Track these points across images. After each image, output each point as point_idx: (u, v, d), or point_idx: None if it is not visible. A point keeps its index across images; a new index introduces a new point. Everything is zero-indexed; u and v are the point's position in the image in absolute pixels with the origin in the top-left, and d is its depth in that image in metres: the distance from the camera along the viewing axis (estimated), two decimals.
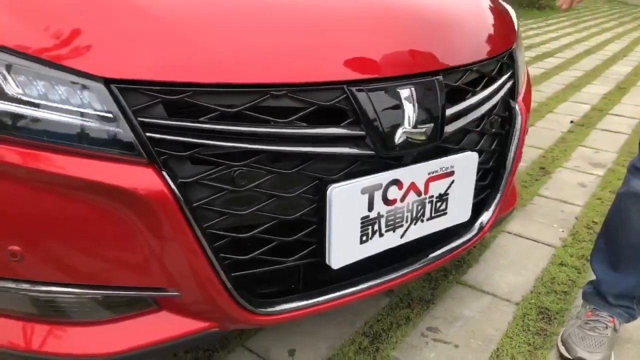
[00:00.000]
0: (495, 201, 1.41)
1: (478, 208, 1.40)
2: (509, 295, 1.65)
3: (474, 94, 1.23)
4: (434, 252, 1.29)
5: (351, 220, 1.05)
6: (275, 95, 0.95)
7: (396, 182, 1.09)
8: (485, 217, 1.40)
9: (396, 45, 1.10)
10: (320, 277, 1.13)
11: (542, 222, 2.12)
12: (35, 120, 0.86)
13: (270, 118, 0.95)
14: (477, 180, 1.33)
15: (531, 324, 1.52)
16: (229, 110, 0.92)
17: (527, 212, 2.21)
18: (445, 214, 1.22)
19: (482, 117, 1.28)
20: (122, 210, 0.89)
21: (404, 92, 1.05)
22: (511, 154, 1.39)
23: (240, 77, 0.92)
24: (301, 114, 0.97)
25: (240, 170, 0.95)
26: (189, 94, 0.90)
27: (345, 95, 1.00)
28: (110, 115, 0.87)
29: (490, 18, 1.40)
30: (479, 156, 1.29)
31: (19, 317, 0.99)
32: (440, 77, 1.12)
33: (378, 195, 1.07)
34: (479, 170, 1.32)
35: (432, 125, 1.09)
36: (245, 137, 0.94)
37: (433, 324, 1.51)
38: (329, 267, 1.08)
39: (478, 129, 1.28)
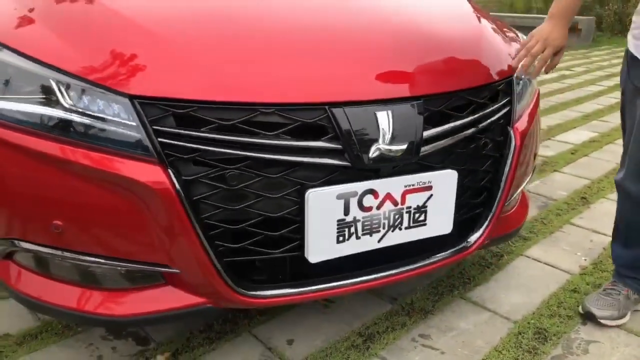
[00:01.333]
0: (487, 220, 1.51)
1: (468, 225, 1.50)
2: (510, 313, 1.71)
3: (459, 118, 1.36)
4: (418, 261, 1.41)
5: (328, 221, 1.22)
6: (264, 112, 1.15)
7: (372, 192, 1.24)
8: (475, 234, 1.50)
9: (378, 72, 1.27)
10: (306, 271, 1.30)
11: (565, 249, 2.13)
12: (79, 125, 1.13)
13: (260, 131, 1.16)
14: (467, 198, 1.44)
15: (524, 342, 1.58)
16: (225, 123, 1.14)
17: (553, 238, 2.22)
18: (425, 224, 1.35)
19: (470, 139, 1.40)
20: (136, 198, 1.13)
21: (381, 114, 1.22)
22: (503, 177, 1.49)
23: (235, 97, 1.14)
24: (287, 128, 1.17)
25: (232, 172, 1.16)
26: (193, 109, 1.13)
27: (326, 114, 1.18)
28: (133, 123, 1.12)
29: (486, 50, 1.52)
30: (468, 176, 1.41)
31: (64, 281, 1.25)
32: (420, 102, 1.27)
33: (354, 202, 1.23)
34: (468, 188, 1.43)
35: (407, 143, 1.24)
36: (237, 145, 1.15)
37: (426, 332, 1.62)
38: (314, 262, 1.25)
39: (465, 150, 1.40)
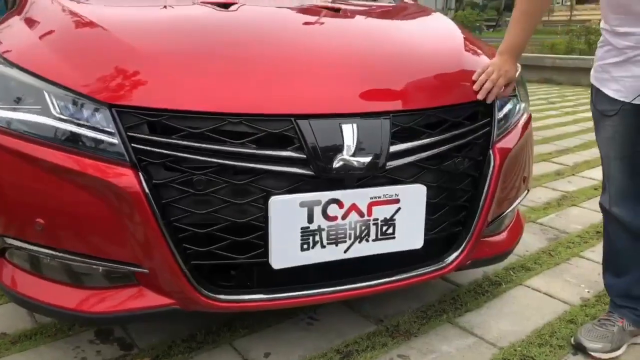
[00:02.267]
0: (465, 240, 1.50)
1: (446, 244, 1.50)
2: (497, 340, 1.66)
3: (430, 135, 1.39)
4: (390, 275, 1.42)
5: (291, 228, 1.26)
6: (232, 122, 1.23)
7: (336, 201, 1.28)
8: (453, 254, 1.49)
9: (345, 87, 1.33)
10: (274, 279, 1.33)
11: (569, 281, 2.05)
12: (64, 131, 1.23)
13: (227, 139, 1.23)
14: (442, 216, 1.45)
15: None
16: (195, 131, 1.22)
17: (558, 270, 2.15)
18: (394, 238, 1.36)
19: (443, 156, 1.42)
20: (110, 200, 1.21)
21: (346, 126, 1.27)
22: (482, 197, 1.49)
23: (204, 106, 1.22)
24: (254, 137, 1.24)
25: (200, 177, 1.22)
26: (165, 117, 1.21)
27: (292, 125, 1.24)
28: (111, 130, 1.21)
29: (462, 71, 1.55)
30: (441, 192, 1.42)
31: (46, 278, 1.34)
32: (387, 117, 1.31)
33: (317, 210, 1.27)
34: (442, 205, 1.44)
35: (371, 156, 1.27)
36: (205, 152, 1.22)
37: (406, 353, 1.59)
38: (277, 269, 1.29)
39: (437, 167, 1.41)
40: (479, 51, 1.73)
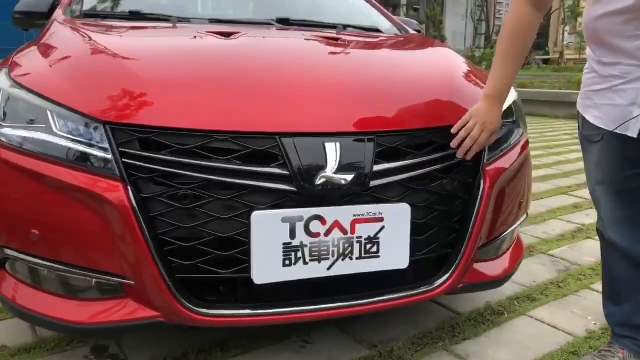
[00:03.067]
0: (455, 263, 1.48)
1: (436, 266, 1.49)
2: None
3: (416, 156, 1.40)
4: (377, 295, 1.41)
5: (273, 243, 1.28)
6: (219, 139, 1.28)
7: (319, 218, 1.30)
8: (443, 277, 1.48)
9: (330, 108, 1.37)
10: (258, 295, 1.34)
11: (575, 313, 1.99)
12: (63, 147, 1.30)
13: (214, 155, 1.27)
14: (430, 237, 1.45)
15: None
16: (182, 147, 1.27)
17: (565, 302, 2.08)
18: (378, 257, 1.36)
19: (429, 177, 1.42)
20: (101, 212, 1.26)
21: (329, 145, 1.30)
22: (472, 219, 1.48)
23: (191, 124, 1.28)
24: (239, 154, 1.28)
25: (186, 192, 1.27)
26: (155, 134, 1.27)
27: (276, 143, 1.28)
28: (105, 146, 1.28)
29: (451, 95, 1.57)
30: (428, 213, 1.43)
31: (38, 288, 1.39)
32: (372, 137, 1.34)
33: (300, 226, 1.28)
34: (429, 226, 1.44)
35: (354, 174, 1.29)
36: (192, 168, 1.26)
37: None
38: (268, 288, 1.30)
39: (423, 187, 1.42)
40: (475, 80, 1.75)
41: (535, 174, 4.43)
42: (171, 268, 1.28)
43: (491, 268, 1.66)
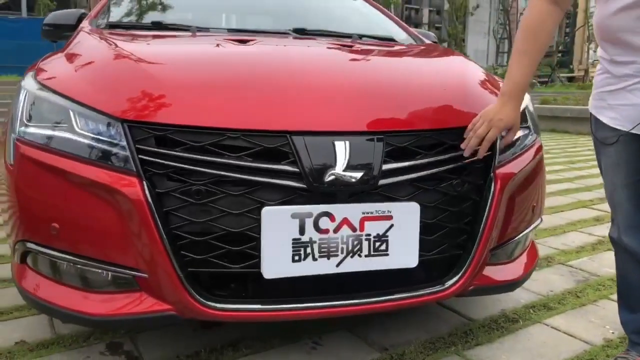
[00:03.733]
0: (466, 264, 1.48)
1: (447, 267, 1.49)
2: None
3: (426, 156, 1.42)
4: (388, 294, 1.42)
5: (283, 239, 1.30)
6: (231, 137, 1.32)
7: (328, 214, 1.32)
8: (453, 277, 1.48)
9: (341, 108, 1.39)
10: (268, 291, 1.37)
11: (593, 322, 1.95)
12: (82, 144, 1.36)
13: (226, 152, 1.31)
14: (440, 237, 1.45)
15: None
16: (196, 144, 1.31)
17: (583, 311, 2.04)
18: (387, 255, 1.37)
19: (439, 177, 1.44)
20: (117, 206, 1.31)
21: (339, 143, 1.33)
22: (483, 220, 1.48)
23: (205, 122, 1.32)
24: (251, 151, 1.31)
25: (199, 188, 1.30)
26: (170, 132, 1.32)
27: (287, 141, 1.32)
28: (123, 143, 1.33)
29: (463, 97, 1.58)
30: (437, 213, 1.44)
31: (56, 281, 1.43)
32: (381, 137, 1.36)
33: (309, 222, 1.31)
34: (438, 226, 1.45)
35: (363, 172, 1.32)
36: (205, 164, 1.30)
37: None
38: (278, 284, 1.32)
39: (433, 187, 1.43)
40: (489, 86, 1.76)
41: (555, 187, 4.38)
42: (183, 262, 1.31)
43: (503, 272, 1.65)
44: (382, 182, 1.34)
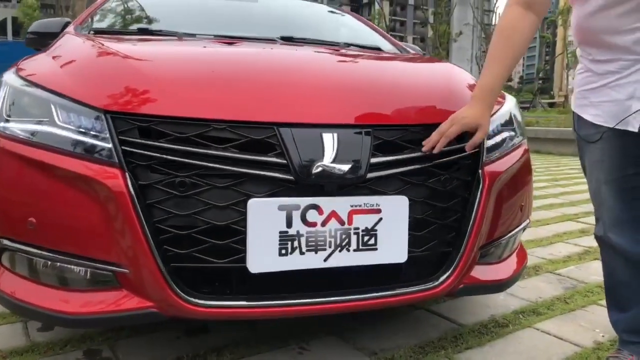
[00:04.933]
0: (455, 261, 1.46)
1: (436, 265, 1.47)
2: None
3: (413, 150, 1.41)
4: (379, 290, 1.39)
5: (269, 231, 1.27)
6: (217, 128, 1.29)
7: (315, 207, 1.29)
8: (443, 275, 1.45)
9: (328, 100, 1.39)
10: (253, 287, 1.32)
11: (583, 326, 1.93)
12: (64, 136, 1.32)
13: (211, 144, 1.28)
14: (428, 233, 1.43)
15: None
16: (181, 135, 1.28)
17: (572, 315, 2.02)
18: (376, 249, 1.34)
19: (427, 172, 1.42)
20: (98, 199, 1.26)
21: (327, 135, 1.31)
22: (472, 217, 1.46)
23: (190, 113, 1.30)
24: (237, 143, 1.29)
25: (183, 180, 1.27)
26: (154, 123, 1.29)
27: (274, 133, 1.30)
28: (105, 135, 1.29)
29: (448, 95, 1.59)
30: (425, 208, 1.42)
31: (31, 279, 1.37)
32: (369, 130, 1.35)
33: (296, 215, 1.28)
34: (427, 222, 1.43)
35: (351, 164, 1.30)
36: (189, 156, 1.27)
37: None
38: (264, 279, 1.29)
39: (421, 182, 1.41)
40: (470, 81, 1.77)
41: (541, 202, 4.41)
42: (166, 257, 1.26)
43: (492, 272, 1.63)
44: (370, 175, 1.32)
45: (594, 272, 2.57)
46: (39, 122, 1.36)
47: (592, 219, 3.87)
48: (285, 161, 1.28)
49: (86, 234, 1.29)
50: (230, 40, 2.00)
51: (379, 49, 2.44)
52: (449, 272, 1.45)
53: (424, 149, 1.42)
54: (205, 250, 1.28)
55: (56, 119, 1.35)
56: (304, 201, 1.28)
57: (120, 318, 1.32)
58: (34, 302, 1.33)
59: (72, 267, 1.32)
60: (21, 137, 1.35)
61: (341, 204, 1.31)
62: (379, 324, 1.87)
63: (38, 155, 1.32)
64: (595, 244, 3.07)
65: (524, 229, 1.77)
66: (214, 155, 1.27)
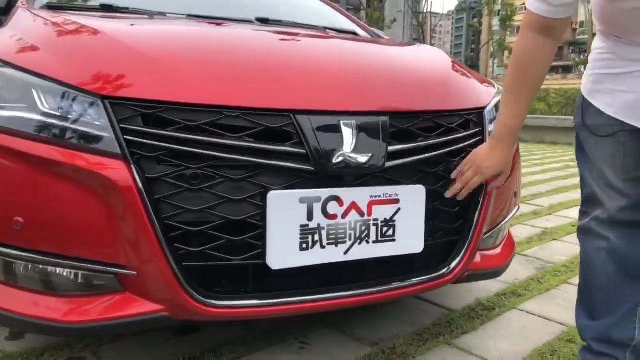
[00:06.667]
0: (464, 248, 1.46)
1: (445, 254, 1.46)
2: (499, 359, 1.59)
3: (426, 138, 1.38)
4: (395, 282, 1.36)
5: (290, 225, 1.20)
6: (230, 115, 1.20)
7: (336, 199, 1.24)
8: (453, 262, 1.45)
9: (346, 87, 1.33)
10: (270, 284, 1.25)
11: (562, 305, 2.02)
12: (52, 125, 1.17)
13: (225, 133, 1.19)
14: (441, 222, 1.42)
15: None
16: (191, 124, 1.18)
17: (549, 295, 2.12)
18: (394, 240, 1.32)
19: (439, 160, 1.41)
20: (100, 195, 1.14)
21: (346, 124, 1.25)
22: (479, 204, 1.47)
23: (201, 99, 1.19)
24: (252, 131, 1.20)
25: (195, 173, 1.17)
26: (161, 110, 1.17)
27: (291, 121, 1.22)
28: (102, 123, 1.16)
29: (455, 83, 1.58)
30: (439, 197, 1.40)
31: (19, 287, 1.22)
32: (386, 118, 1.30)
33: (317, 207, 1.22)
34: (440, 211, 1.42)
35: (371, 154, 1.25)
36: (201, 146, 1.17)
37: None
38: (280, 275, 1.22)
39: (434, 170, 1.40)
40: (466, 72, 1.77)
41: None
42: (178, 256, 1.17)
43: (490, 258, 1.66)
44: (388, 164, 1.29)
45: (556, 252, 2.71)
46: (20, 109, 1.20)
47: (540, 201, 4.12)
48: (304, 151, 1.21)
49: (84, 234, 1.16)
50: (205, 21, 1.87)
51: (355, 34, 2.39)
52: (458, 259, 1.45)
53: (447, 194, 1.40)
54: (219, 247, 1.19)
55: (39, 104, 1.19)
56: (325, 193, 1.23)
57: (126, 324, 1.20)
58: (23, 311, 1.18)
59: (68, 271, 1.18)
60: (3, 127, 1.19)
61: (361, 195, 1.27)
62: (370, 314, 1.85)
63: (20, 146, 1.17)
64: (549, 225, 3.26)
65: (514, 215, 1.81)
66: (228, 145, 1.18)
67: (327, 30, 2.17)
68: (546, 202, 4.01)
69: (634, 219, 1.25)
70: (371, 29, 2.71)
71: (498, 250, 1.72)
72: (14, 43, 1.40)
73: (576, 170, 6.25)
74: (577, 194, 4.40)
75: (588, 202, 1.33)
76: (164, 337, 1.65)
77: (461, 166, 1.42)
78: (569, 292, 2.15)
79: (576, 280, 2.26)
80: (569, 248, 2.78)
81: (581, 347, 1.41)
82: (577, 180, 5.07)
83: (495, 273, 1.72)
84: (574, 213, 3.66)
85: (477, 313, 1.92)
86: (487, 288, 2.15)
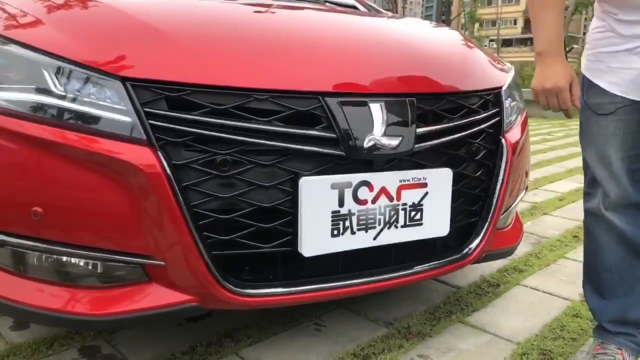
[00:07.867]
0: (484, 228, 1.47)
1: (466, 234, 1.47)
2: (511, 336, 1.62)
3: (451, 120, 1.37)
4: (420, 264, 1.36)
5: (322, 212, 1.17)
6: (258, 98, 1.15)
7: (367, 184, 1.21)
8: (474, 242, 1.46)
9: (372, 68, 1.29)
10: (299, 271, 1.23)
11: (563, 280, 2.07)
12: (71, 108, 1.10)
13: (252, 116, 1.14)
14: (463, 203, 1.42)
15: None
16: (218, 107, 1.12)
17: (549, 270, 2.17)
18: (421, 224, 1.31)
19: (463, 142, 1.40)
20: (125, 183, 1.08)
21: (375, 106, 1.22)
22: (498, 184, 1.47)
23: (229, 81, 1.13)
24: (281, 115, 1.16)
25: (224, 158, 1.12)
26: (186, 92, 1.11)
27: (320, 104, 1.18)
28: (124, 107, 1.09)
29: (473, 64, 1.56)
30: (462, 179, 1.40)
31: (40, 279, 1.16)
32: (413, 99, 1.27)
33: (348, 193, 1.19)
34: (463, 193, 1.41)
35: (400, 137, 1.23)
36: (230, 130, 1.12)
37: (425, 352, 1.52)
38: (309, 262, 1.20)
39: (458, 152, 1.39)
40: (481, 51, 1.75)
41: None
42: (208, 244, 1.13)
43: (505, 237, 1.68)
44: (416, 147, 1.27)
45: (549, 227, 2.77)
46: (27, 90, 1.12)
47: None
48: (334, 135, 1.18)
49: (110, 225, 1.11)
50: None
51: (355, 7, 2.33)
52: (478, 240, 1.46)
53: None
54: (249, 234, 1.16)
55: (52, 86, 1.11)
56: (356, 178, 1.20)
57: (154, 315, 1.16)
58: (46, 305, 1.13)
59: (94, 263, 1.13)
60: (13, 109, 1.11)
61: (391, 180, 1.25)
62: (380, 294, 1.86)
63: (34, 131, 1.09)
64: (538, 200, 3.33)
65: (523, 196, 1.83)
66: (258, 129, 1.13)
67: (326, 4, 2.10)
68: (531, 176, 4.08)
69: (635, 201, 1.29)
70: (368, 2, 2.65)
71: (510, 229, 1.74)
72: (22, 19, 1.30)
73: (554, 143, 6.42)
74: (558, 168, 4.51)
75: (592, 184, 1.36)
76: (175, 323, 1.62)
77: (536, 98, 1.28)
78: (568, 267, 2.21)
79: (572, 254, 2.33)
80: (560, 222, 2.84)
81: (595, 327, 1.45)
82: (557, 153, 5.19)
83: (508, 252, 1.74)
84: (560, 187, 3.75)
85: (484, 290, 1.95)
86: (488, 264, 2.18)
